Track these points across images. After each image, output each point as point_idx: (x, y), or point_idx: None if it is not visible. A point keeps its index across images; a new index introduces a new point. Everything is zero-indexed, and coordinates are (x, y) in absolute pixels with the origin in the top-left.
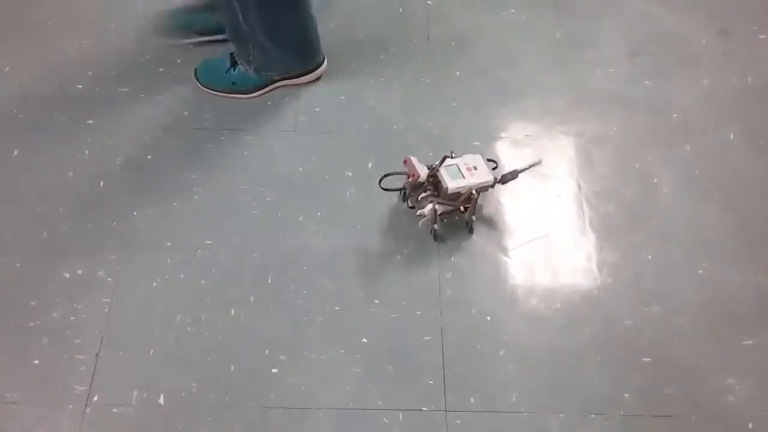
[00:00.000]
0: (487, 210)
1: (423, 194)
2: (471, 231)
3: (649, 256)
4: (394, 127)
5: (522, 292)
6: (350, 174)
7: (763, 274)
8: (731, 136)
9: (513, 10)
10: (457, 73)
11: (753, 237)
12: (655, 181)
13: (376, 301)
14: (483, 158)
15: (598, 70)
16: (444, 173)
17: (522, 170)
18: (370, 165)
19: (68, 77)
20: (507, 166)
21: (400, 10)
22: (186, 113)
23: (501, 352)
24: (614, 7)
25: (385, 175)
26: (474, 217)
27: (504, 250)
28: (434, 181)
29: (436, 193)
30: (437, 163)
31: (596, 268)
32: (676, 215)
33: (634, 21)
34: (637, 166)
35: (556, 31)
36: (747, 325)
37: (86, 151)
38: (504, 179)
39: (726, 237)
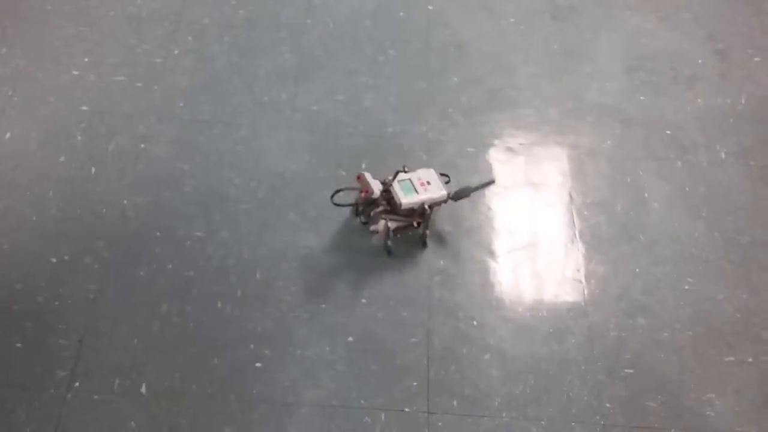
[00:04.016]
0: (477, 217)
1: (376, 210)
2: (425, 245)
3: (637, 269)
4: (389, 129)
5: (509, 299)
6: (344, 173)
7: (748, 292)
8: (722, 155)
9: (512, 20)
10: (455, 78)
11: (739, 255)
12: (646, 195)
13: (363, 300)
14: (436, 172)
15: (595, 84)
16: (397, 188)
17: (475, 189)
18: (363, 165)
19: (64, 63)
20: (499, 174)
21: (401, 13)
22: (182, 104)
23: (486, 357)
24: (613, 22)
25: (338, 191)
26: (428, 231)
27: (493, 256)
28: (388, 197)
29: (389, 209)
30: (390, 177)
31: (584, 279)
32: (665, 230)
33: (632, 37)
34: (629, 180)
35: (554, 43)
36: (729, 342)
37: (79, 137)
38: (456, 196)
39: (712, 253)
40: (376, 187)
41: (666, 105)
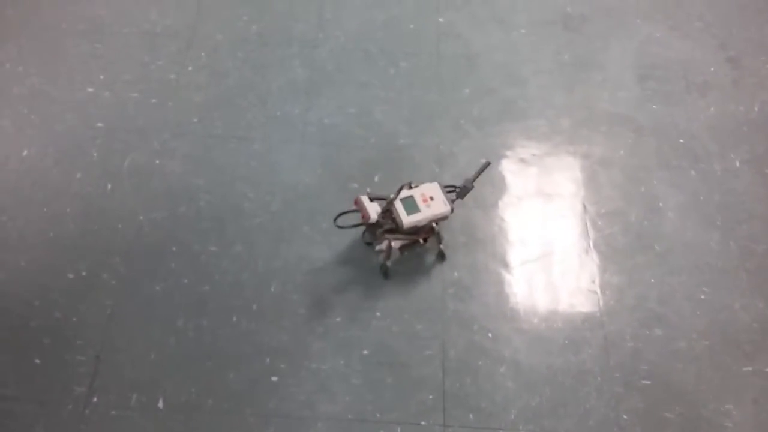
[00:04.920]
0: (491, 228)
1: (379, 230)
2: (443, 258)
3: (652, 280)
4: (401, 141)
5: (524, 310)
6: (356, 186)
7: (764, 301)
8: (737, 164)
9: (523, 30)
10: (466, 90)
11: (755, 264)
12: (661, 205)
13: (377, 313)
14: (441, 186)
15: (607, 93)
16: (399, 207)
17: (474, 179)
18: (376, 178)
19: (79, 80)
20: (511, 185)
21: (412, 26)
22: (196, 120)
23: (501, 369)
24: (624, 31)
25: (340, 214)
26: (442, 246)
27: (507, 267)
28: (391, 216)
29: (394, 227)
30: (392, 195)
31: (599, 290)
32: (680, 240)
33: (643, 46)
34: (642, 189)
35: (565, 53)
36: (747, 352)
37: (94, 154)
38: (462, 194)
39: (728, 263)
40: (373, 211)
41: (678, 113)
